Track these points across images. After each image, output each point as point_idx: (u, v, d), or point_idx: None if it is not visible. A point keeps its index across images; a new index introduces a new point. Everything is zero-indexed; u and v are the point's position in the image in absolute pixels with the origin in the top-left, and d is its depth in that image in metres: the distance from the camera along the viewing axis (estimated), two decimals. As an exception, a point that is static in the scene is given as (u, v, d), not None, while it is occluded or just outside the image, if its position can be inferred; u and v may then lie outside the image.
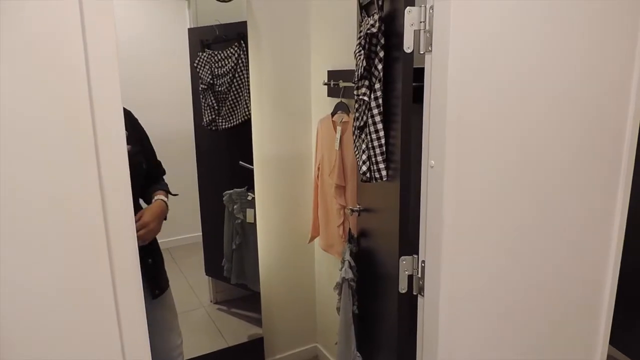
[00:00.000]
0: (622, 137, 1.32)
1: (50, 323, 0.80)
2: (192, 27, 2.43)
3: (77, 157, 0.78)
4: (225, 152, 2.36)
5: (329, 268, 2.42)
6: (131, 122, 1.65)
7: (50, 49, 0.74)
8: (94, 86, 0.78)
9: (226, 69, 2.22)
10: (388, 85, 1.38)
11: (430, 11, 1.11)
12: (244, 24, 2.16)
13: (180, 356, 1.71)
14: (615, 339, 1.47)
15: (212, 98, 2.25)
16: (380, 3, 1.37)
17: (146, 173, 1.67)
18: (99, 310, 0.84)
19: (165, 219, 1.64)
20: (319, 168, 2.18)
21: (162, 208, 1.62)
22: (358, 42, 1.44)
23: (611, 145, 1.32)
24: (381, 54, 1.37)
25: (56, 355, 0.82)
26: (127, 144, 1.49)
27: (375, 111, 1.39)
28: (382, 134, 1.40)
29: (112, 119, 0.81)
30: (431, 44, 1.12)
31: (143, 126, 1.93)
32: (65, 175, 0.78)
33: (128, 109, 1.63)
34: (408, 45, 1.19)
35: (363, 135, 1.47)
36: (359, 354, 1.82)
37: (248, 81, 2.19)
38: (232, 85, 2.23)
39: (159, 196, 1.64)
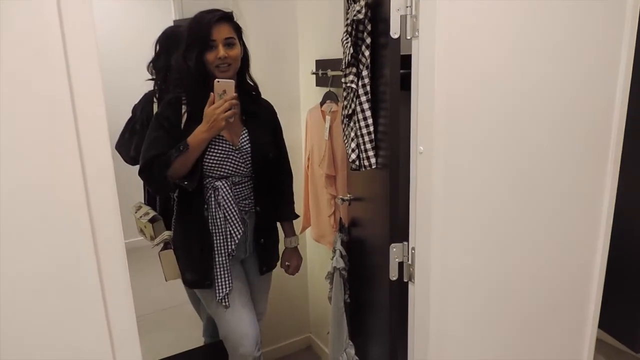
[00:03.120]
0: (609, 121, 1.32)
1: (35, 319, 0.79)
2: (177, 18, 2.40)
3: (59, 150, 0.77)
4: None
5: (321, 258, 2.42)
6: (270, 113, 1.84)
7: (27, 41, 0.72)
8: (74, 78, 0.76)
9: (213, 60, 2.19)
10: (376, 71, 1.37)
11: (416, -5, 1.10)
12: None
13: (261, 321, 1.96)
14: (602, 321, 1.48)
15: (200, 90, 2.23)
16: (366, -11, 1.36)
17: (274, 165, 1.80)
18: (85, 305, 0.83)
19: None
20: (308, 158, 2.17)
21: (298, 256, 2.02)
22: (345, 29, 1.42)
23: (600, 130, 1.32)
24: (368, 40, 1.36)
25: (42, 351, 0.81)
26: (259, 133, 1.71)
27: (363, 98, 1.38)
28: (370, 121, 1.39)
29: (94, 112, 0.79)
30: (418, 29, 1.12)
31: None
32: (47, 169, 0.76)
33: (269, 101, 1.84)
34: (395, 31, 1.18)
35: (352, 124, 1.47)
36: (351, 343, 1.82)
37: (235, 72, 2.17)
38: (220, 77, 2.20)
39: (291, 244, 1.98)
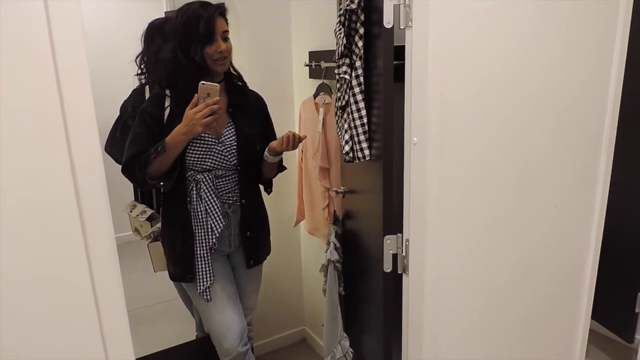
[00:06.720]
0: (603, 113, 1.32)
1: (25, 315, 0.78)
2: (168, 10, 2.37)
3: (47, 145, 0.75)
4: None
5: (316, 251, 2.41)
6: (259, 105, 1.83)
7: (12, 33, 0.70)
8: (60, 71, 0.74)
9: (205, 52, 2.17)
10: (369, 62, 1.36)
11: (410, -16, 1.09)
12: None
13: (250, 316, 1.95)
14: (595, 312, 1.49)
15: (192, 82, 2.20)
16: (359, -22, 1.34)
17: (262, 157, 1.77)
18: (76, 301, 0.82)
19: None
20: (302, 151, 2.16)
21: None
22: (338, 19, 1.41)
23: (593, 121, 1.32)
24: (361, 30, 1.34)
25: (32, 348, 0.80)
26: (246, 125, 1.69)
27: (357, 89, 1.37)
28: (364, 112, 1.38)
29: (83, 106, 0.78)
30: (411, 19, 1.10)
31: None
32: (35, 163, 0.75)
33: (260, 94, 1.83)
34: (388, 21, 1.17)
35: (345, 115, 1.46)
36: (345, 335, 1.82)
37: (228, 64, 2.14)
38: (212, 69, 2.18)
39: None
